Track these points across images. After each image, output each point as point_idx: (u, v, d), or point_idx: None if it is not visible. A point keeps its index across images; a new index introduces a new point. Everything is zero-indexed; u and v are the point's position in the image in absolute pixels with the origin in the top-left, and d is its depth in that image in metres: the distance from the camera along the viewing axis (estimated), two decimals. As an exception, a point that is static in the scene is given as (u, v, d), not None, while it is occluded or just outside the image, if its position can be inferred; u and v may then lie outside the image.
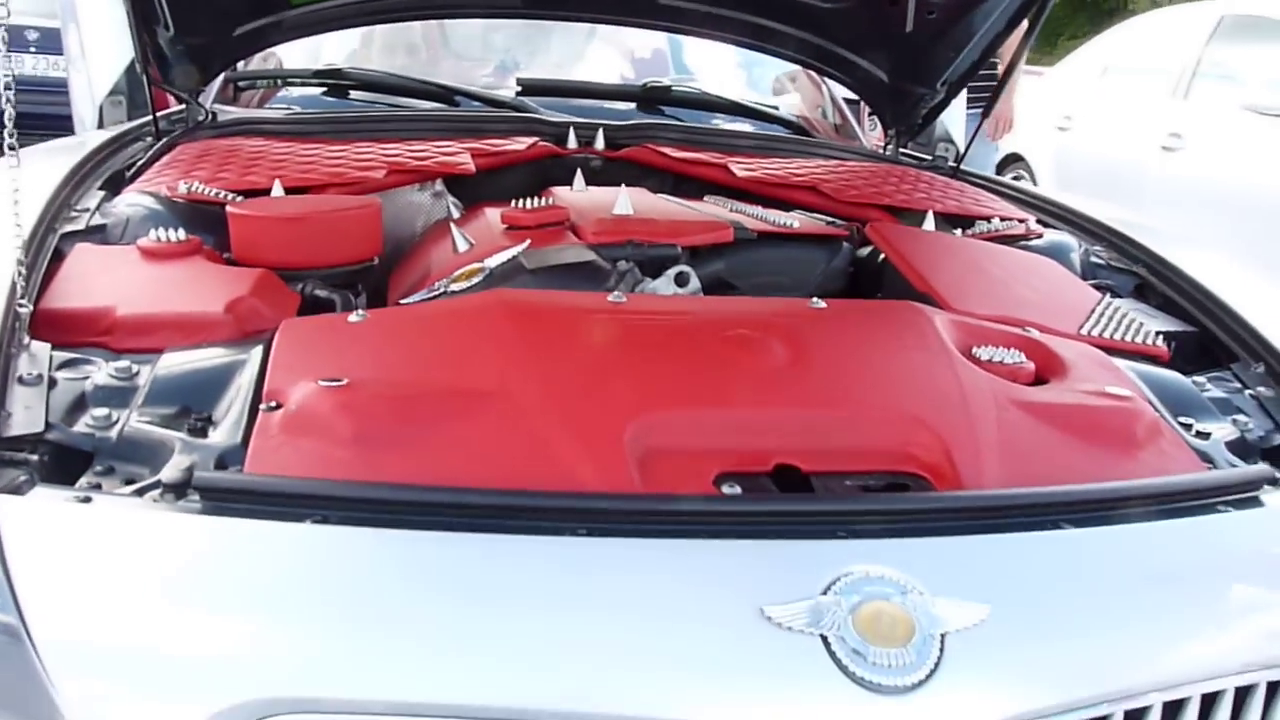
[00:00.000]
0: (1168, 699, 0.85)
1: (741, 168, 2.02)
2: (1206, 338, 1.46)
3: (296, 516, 0.84)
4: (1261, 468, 1.09)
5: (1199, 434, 1.18)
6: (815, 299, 1.25)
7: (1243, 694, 0.90)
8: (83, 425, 0.99)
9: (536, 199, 1.55)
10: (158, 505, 0.87)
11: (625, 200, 1.51)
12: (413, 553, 0.82)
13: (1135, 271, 1.71)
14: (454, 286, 1.31)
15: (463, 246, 1.46)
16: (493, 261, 1.34)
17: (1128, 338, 1.38)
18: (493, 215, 1.59)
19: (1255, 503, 1.02)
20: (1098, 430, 1.08)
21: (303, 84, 2.50)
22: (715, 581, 0.81)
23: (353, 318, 1.13)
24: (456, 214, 1.87)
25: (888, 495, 0.95)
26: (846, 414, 1.04)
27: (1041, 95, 6.02)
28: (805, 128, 2.59)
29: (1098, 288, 1.63)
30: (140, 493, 0.90)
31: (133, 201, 1.49)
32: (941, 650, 0.79)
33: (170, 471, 0.91)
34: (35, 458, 0.93)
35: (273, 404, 0.98)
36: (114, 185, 1.64)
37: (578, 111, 2.37)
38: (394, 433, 0.94)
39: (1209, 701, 0.88)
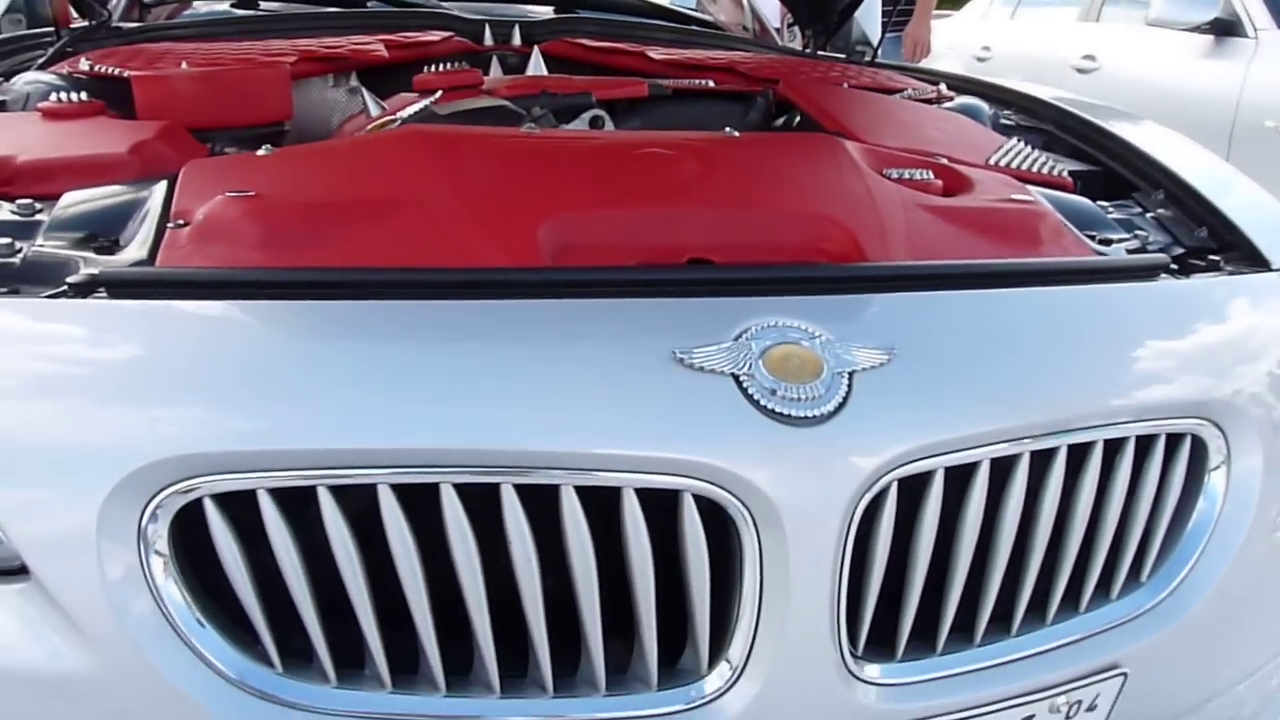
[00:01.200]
0: (1072, 442, 0.88)
1: (659, 53, 2.02)
2: (1109, 175, 1.51)
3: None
4: (1158, 256, 1.13)
5: (1102, 242, 1.22)
6: (728, 129, 1.26)
7: (1144, 445, 0.94)
8: None
9: (453, 65, 1.53)
10: (61, 300, 0.86)
11: (539, 61, 1.51)
12: (317, 321, 0.82)
13: (1043, 129, 1.75)
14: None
15: (375, 110, 1.44)
16: (404, 114, 1.33)
17: (1034, 169, 1.41)
18: (407, 95, 1.57)
19: (1151, 279, 1.06)
20: (1002, 228, 1.11)
21: (212, -1, 2.45)
22: (629, 333, 0.82)
23: (260, 152, 1.11)
24: (374, 103, 1.85)
25: (795, 265, 0.97)
26: (759, 214, 1.06)
27: (957, 30, 6.11)
28: (724, 30, 2.60)
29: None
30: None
31: (32, 79, 1.45)
32: (850, 387, 0.81)
33: (76, 277, 0.89)
34: None
35: (180, 222, 0.97)
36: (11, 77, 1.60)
37: (495, 15, 2.36)
38: (302, 234, 0.93)
39: (1112, 450, 0.92)
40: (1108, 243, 1.22)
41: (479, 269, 0.87)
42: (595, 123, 1.37)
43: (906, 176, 1.19)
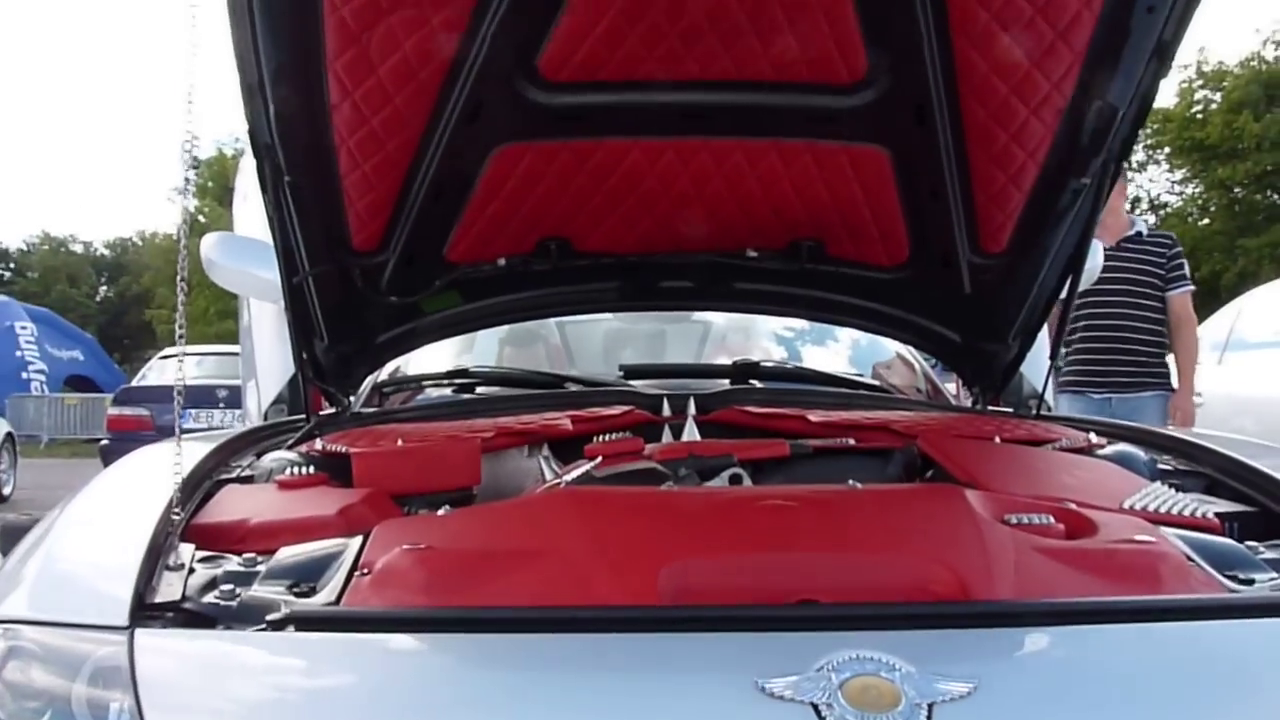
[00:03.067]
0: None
1: (817, 416, 2.19)
2: (1268, 516, 1.48)
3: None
4: None
5: (1243, 581, 1.20)
6: (851, 481, 1.37)
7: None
8: (211, 598, 1.19)
9: (616, 436, 1.75)
10: (258, 633, 1.04)
11: (693, 429, 1.70)
12: (457, 652, 0.96)
13: (1203, 473, 1.74)
14: (532, 498, 1.51)
15: (550, 476, 1.66)
16: (567, 478, 1.53)
17: (1174, 511, 1.41)
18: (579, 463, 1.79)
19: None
20: (1119, 568, 1.13)
21: (435, 385, 2.87)
22: (719, 665, 0.91)
23: (440, 512, 1.32)
24: (550, 475, 2.09)
25: (888, 604, 1.03)
26: (868, 558, 1.14)
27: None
28: (892, 393, 2.76)
29: None
30: None
31: (277, 457, 1.77)
32: (929, 719, 0.85)
33: (274, 615, 1.08)
34: (170, 615, 1.13)
35: (364, 570, 1.16)
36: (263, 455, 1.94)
37: (677, 391, 2.64)
38: (459, 579, 1.10)
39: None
40: (1249, 582, 1.20)
41: (595, 607, 1.00)
42: (734, 480, 1.52)
43: (1025, 521, 1.24)
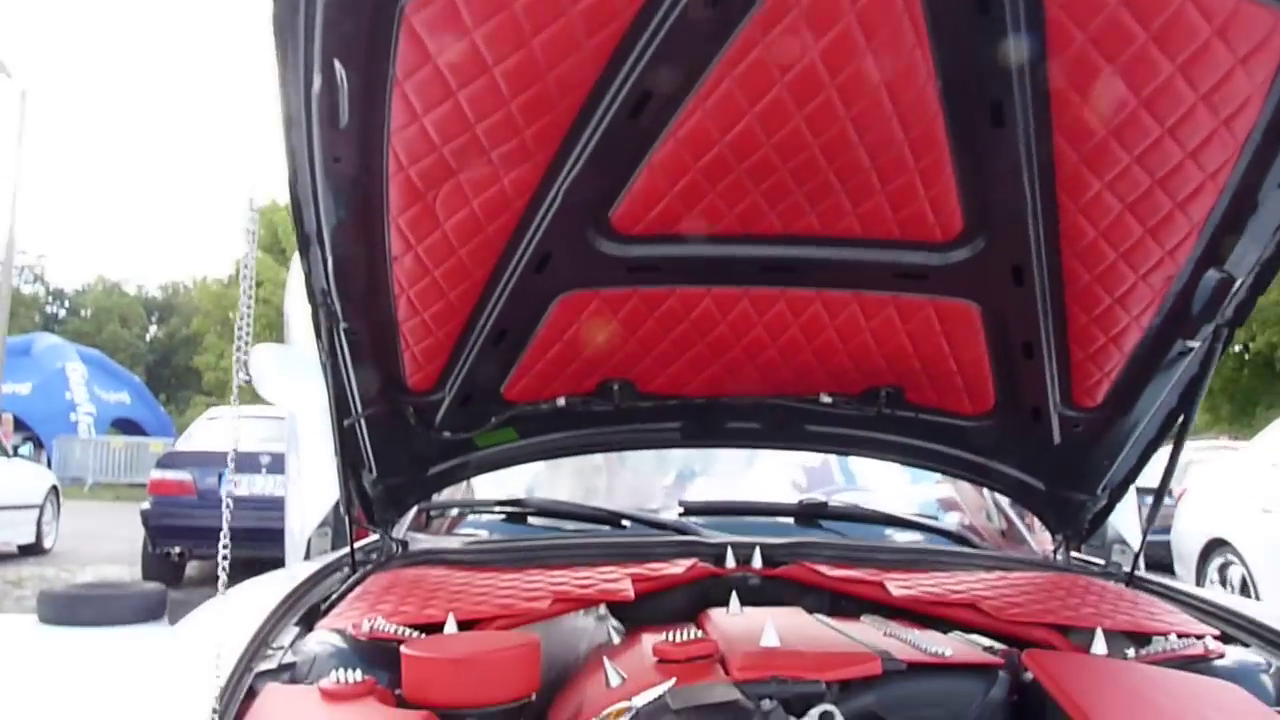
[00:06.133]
0: None
1: (898, 585, 2.03)
2: None
3: None
4: None
5: None
6: None
7: None
8: None
9: (689, 631, 1.60)
10: None
11: (772, 631, 1.55)
12: None
13: None
14: (603, 729, 1.36)
15: (615, 682, 1.51)
16: (639, 700, 1.38)
17: None
18: (646, 646, 1.65)
19: None
20: None
21: (486, 512, 2.74)
22: None
23: None
24: (617, 638, 1.95)
25: None
26: None
27: (1241, 472, 5.78)
28: (966, 537, 2.60)
29: None
30: None
31: (321, 640, 1.64)
32: None
33: None
34: None
35: None
36: (309, 620, 1.82)
37: (738, 527, 2.49)
38: None
39: None
40: None
41: None
42: (824, 718, 1.37)
43: None
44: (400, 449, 2.27)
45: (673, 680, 1.41)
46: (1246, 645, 1.82)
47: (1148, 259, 1.77)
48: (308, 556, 2.53)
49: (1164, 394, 2.07)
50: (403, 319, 1.98)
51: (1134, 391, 2.09)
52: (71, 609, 8.44)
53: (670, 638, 1.58)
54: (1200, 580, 6.59)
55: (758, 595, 2.23)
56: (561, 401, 2.27)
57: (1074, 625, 1.85)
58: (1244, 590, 6.27)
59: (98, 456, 21.82)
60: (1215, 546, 5.82)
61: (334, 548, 2.61)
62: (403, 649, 1.49)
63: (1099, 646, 1.78)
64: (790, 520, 2.63)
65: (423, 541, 2.62)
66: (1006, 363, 2.13)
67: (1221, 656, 1.68)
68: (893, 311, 2.05)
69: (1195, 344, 1.93)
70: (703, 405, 2.31)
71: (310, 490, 2.71)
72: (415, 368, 2.10)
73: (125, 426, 24.41)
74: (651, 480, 3.08)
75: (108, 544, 11.38)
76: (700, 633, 1.59)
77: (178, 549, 8.12)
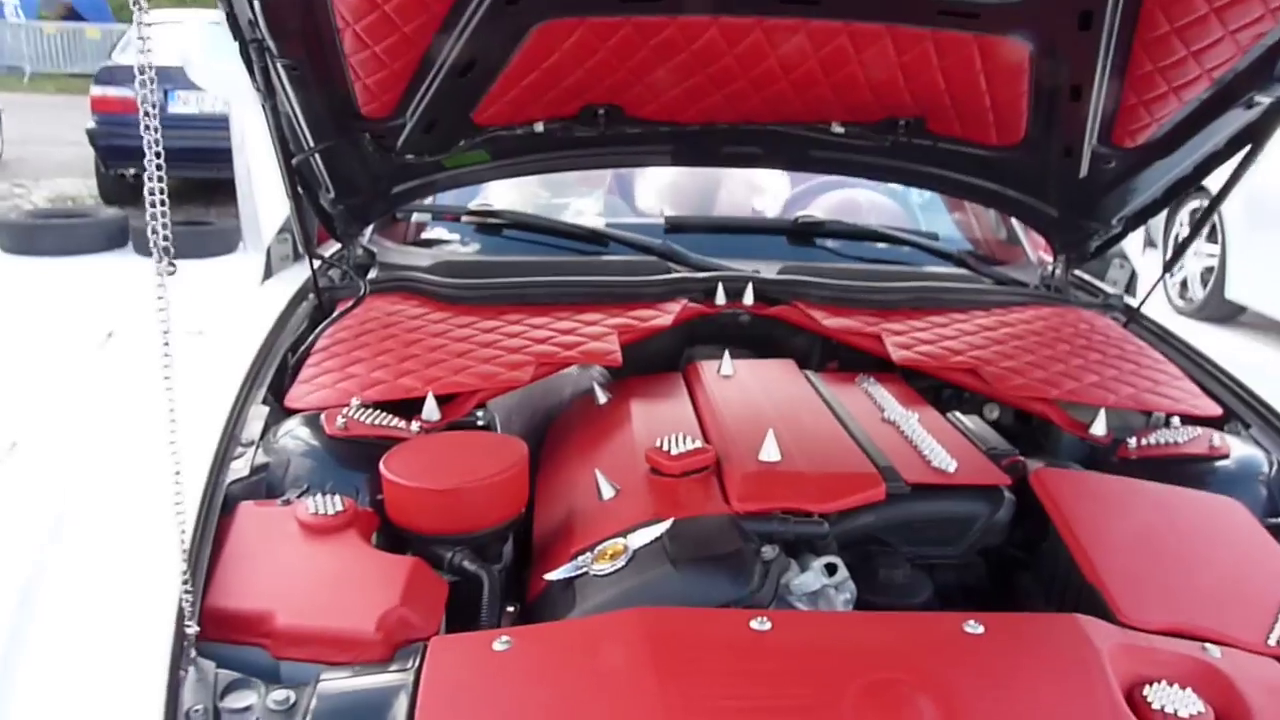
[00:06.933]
0: None
1: (896, 343, 1.93)
2: None
3: None
4: None
5: None
6: (971, 623, 1.17)
7: None
8: None
9: (683, 439, 1.50)
10: None
11: (772, 444, 1.46)
12: None
13: None
14: (597, 567, 1.30)
15: (608, 494, 1.44)
16: (636, 541, 1.31)
17: None
18: (638, 443, 1.56)
19: None
20: None
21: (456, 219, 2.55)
22: None
23: (497, 645, 1.12)
24: (602, 396, 1.86)
25: None
26: None
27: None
28: (964, 260, 2.46)
29: None
30: None
31: (294, 435, 1.52)
32: None
33: None
34: None
35: None
36: (277, 390, 1.70)
37: (726, 247, 2.34)
38: None
39: None
40: None
41: None
42: (829, 569, 1.31)
43: (1170, 712, 1.06)
44: (359, 171, 2.04)
45: (670, 521, 1.33)
46: (1247, 425, 1.78)
47: (1245, 14, 1.49)
48: (269, 272, 2.35)
49: (1211, 141, 1.87)
50: (350, 53, 1.67)
51: (1181, 137, 1.89)
52: (34, 238, 8.34)
53: (664, 444, 1.48)
54: (1170, 221, 6.61)
55: (749, 332, 2.13)
56: (540, 127, 2.01)
57: (1077, 401, 1.78)
58: (1211, 236, 6.32)
59: (31, 44, 20.40)
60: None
61: (295, 257, 2.42)
62: (383, 471, 1.39)
63: (1099, 428, 1.73)
64: (783, 239, 2.48)
65: (391, 252, 2.45)
66: (1048, 101, 1.89)
67: (1224, 455, 1.63)
68: (929, 46, 1.76)
69: (1265, 99, 1.71)
70: (698, 131, 2.06)
71: (263, 193, 2.47)
72: (369, 98, 1.82)
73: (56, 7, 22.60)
74: (638, 187, 2.86)
75: (57, 151, 10.93)
76: (696, 441, 1.49)
77: (132, 170, 7.76)
